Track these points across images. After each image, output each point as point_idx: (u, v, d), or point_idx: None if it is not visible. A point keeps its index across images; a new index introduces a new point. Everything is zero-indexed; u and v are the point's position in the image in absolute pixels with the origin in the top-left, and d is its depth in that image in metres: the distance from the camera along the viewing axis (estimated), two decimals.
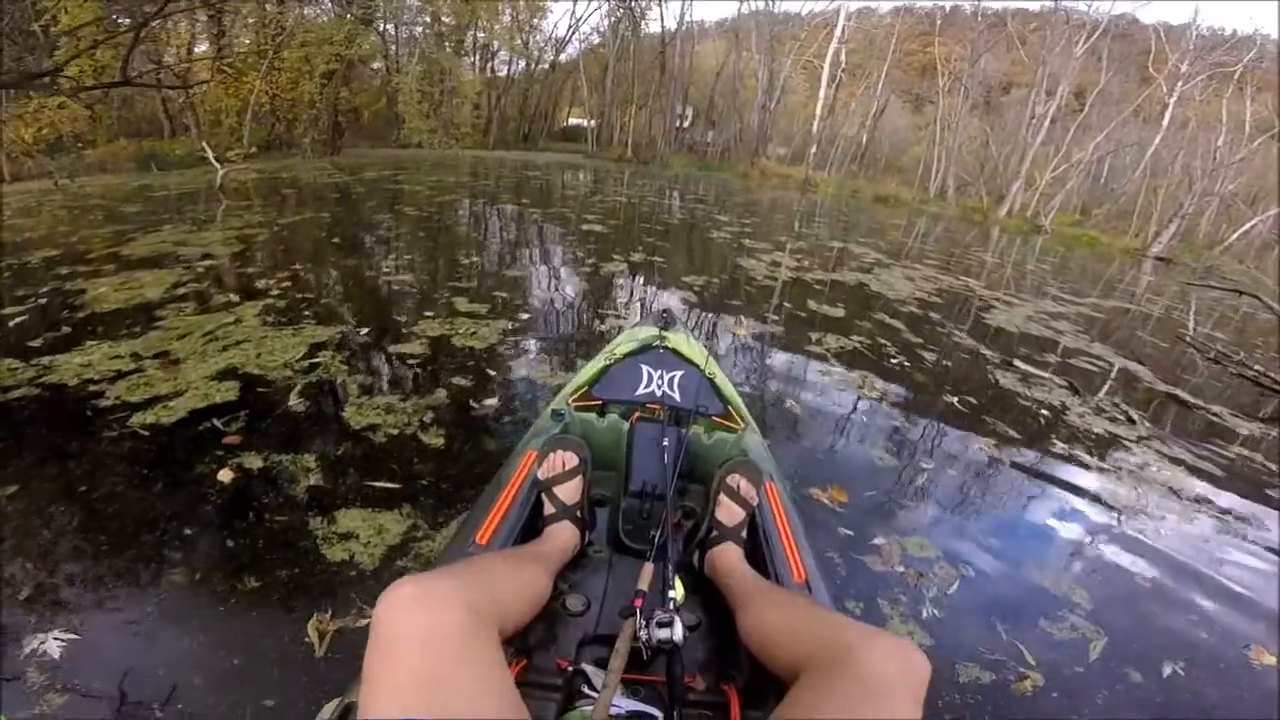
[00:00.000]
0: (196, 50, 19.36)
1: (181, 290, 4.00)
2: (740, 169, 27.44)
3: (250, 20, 20.10)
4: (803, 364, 3.79)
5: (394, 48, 28.51)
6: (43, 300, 3.74)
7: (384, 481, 2.07)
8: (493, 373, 3.02)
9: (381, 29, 26.32)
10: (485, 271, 4.97)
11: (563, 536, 1.13)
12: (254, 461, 2.14)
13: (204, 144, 14.59)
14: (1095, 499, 2.66)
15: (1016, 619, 1.84)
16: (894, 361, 4.07)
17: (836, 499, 2.30)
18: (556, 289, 4.74)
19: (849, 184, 26.63)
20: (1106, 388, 4.26)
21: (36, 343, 3.04)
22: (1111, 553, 2.28)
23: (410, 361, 3.08)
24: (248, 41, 20.56)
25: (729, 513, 1.19)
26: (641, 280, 5.36)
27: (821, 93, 26.48)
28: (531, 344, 3.49)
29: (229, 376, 2.75)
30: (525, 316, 3.87)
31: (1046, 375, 4.27)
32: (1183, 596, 2.09)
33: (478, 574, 0.84)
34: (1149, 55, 24.89)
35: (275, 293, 4.02)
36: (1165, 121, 23.71)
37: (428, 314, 3.78)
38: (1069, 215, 25.39)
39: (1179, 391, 4.40)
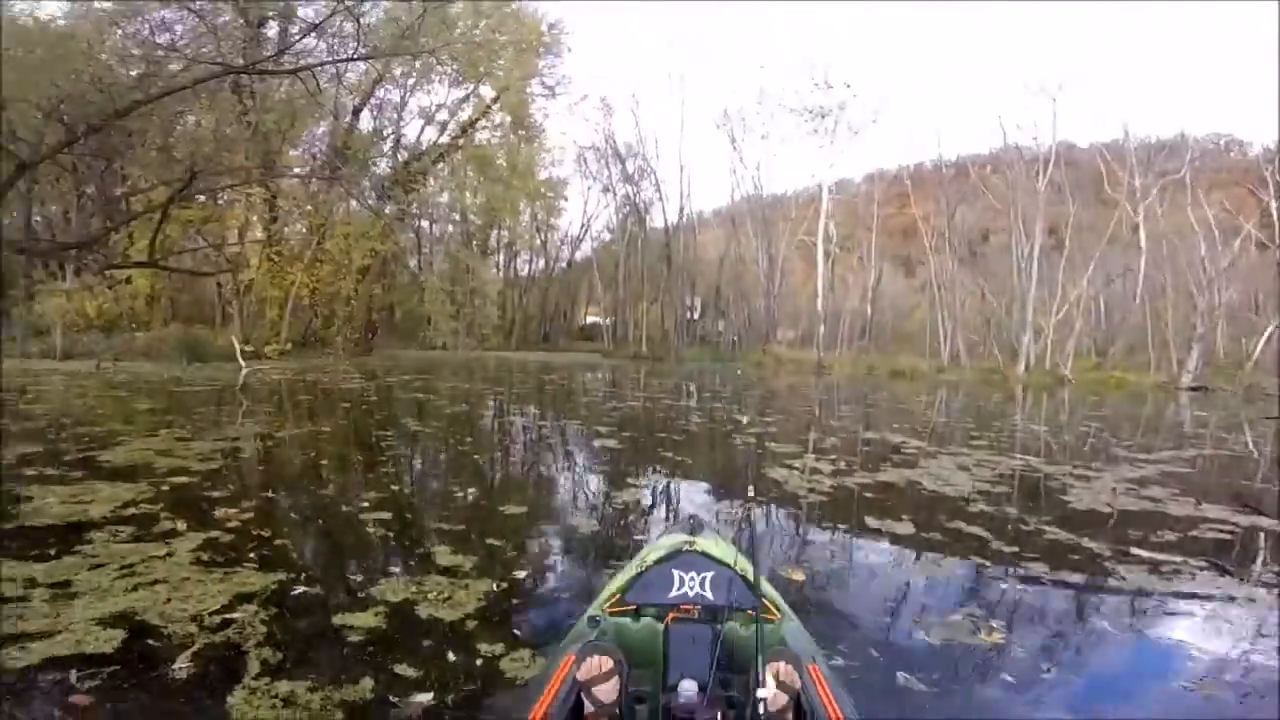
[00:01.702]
0: (250, 237, 20.95)
1: (129, 511, 3.71)
2: (753, 358, 27.99)
3: (297, 211, 22.29)
4: (882, 602, 2.91)
5: (427, 247, 31.28)
6: None
7: None
8: (451, 655, 2.23)
9: (415, 227, 29.09)
10: (480, 508, 4.23)
11: None
12: None
13: (234, 339, 15.11)
14: None
15: None
16: (1001, 588, 3.18)
17: None
18: (561, 527, 3.96)
19: (862, 361, 26.83)
20: (1259, 557, 3.61)
21: None
22: None
23: (349, 635, 2.33)
24: (300, 230, 22.58)
25: (772, 700, 1.19)
26: (661, 510, 4.64)
27: (820, 269, 27.91)
28: (517, 603, 2.74)
29: (119, 623, 2.33)
30: (519, 574, 3.07)
31: (1178, 559, 3.56)
32: None
33: None
34: (1103, 178, 26.14)
35: (231, 524, 3.56)
36: (1143, 242, 24.28)
37: (394, 569, 3.02)
38: (1087, 360, 24.99)
39: None
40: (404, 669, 2.11)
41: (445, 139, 24.27)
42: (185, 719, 1.88)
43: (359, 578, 2.90)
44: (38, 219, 19.00)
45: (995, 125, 33.10)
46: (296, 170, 20.47)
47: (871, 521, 4.25)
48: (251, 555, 3.08)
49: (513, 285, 36.03)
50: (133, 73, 9.99)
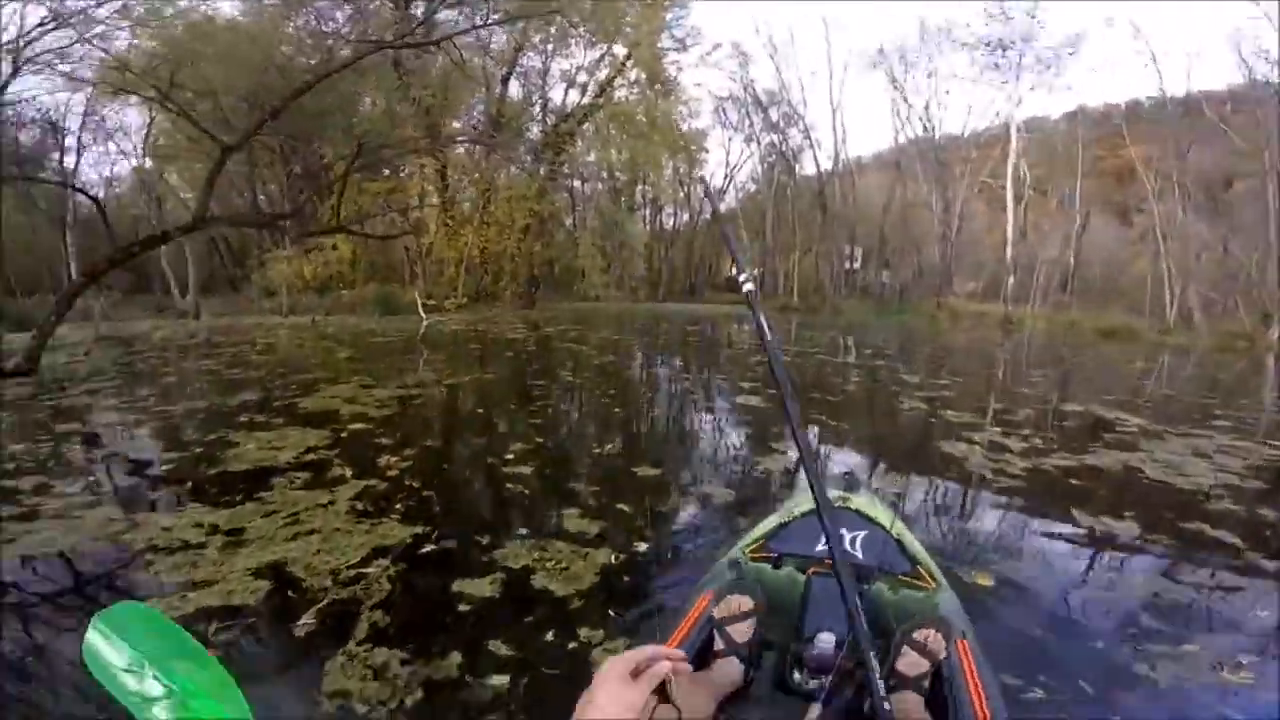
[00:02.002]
0: (429, 204, 23.16)
1: (310, 457, 4.07)
2: (924, 310, 25.21)
3: (466, 179, 24.21)
4: (1093, 622, 2.25)
5: (580, 206, 32.41)
6: (198, 450, 4.28)
7: None
8: (548, 635, 2.09)
9: (569, 187, 30.24)
10: (615, 469, 4.12)
11: (729, 671, 1.20)
12: None
13: (417, 295, 16.95)
14: None
15: None
16: (1257, 615, 2.37)
17: None
18: (691, 496, 3.67)
19: (1060, 317, 23.00)
20: None
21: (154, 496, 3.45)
22: None
23: (459, 603, 2.29)
24: (470, 195, 24.56)
25: (911, 664, 1.19)
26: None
27: (1010, 214, 24.13)
28: (628, 581, 2.54)
29: (268, 574, 2.47)
30: (642, 547, 2.86)
31: None
32: None
33: None
34: None
35: (390, 473, 3.79)
36: None
37: (521, 531, 2.97)
38: None
39: None
40: (499, 649, 2.01)
41: (586, 100, 24.57)
42: (286, 683, 1.89)
43: (486, 539, 2.88)
44: (261, 197, 22.46)
45: (1234, 57, 25.55)
46: (457, 139, 21.85)
47: (1080, 517, 3.43)
48: (399, 507, 3.22)
49: (658, 239, 36.19)
50: (310, 61, 11.11)
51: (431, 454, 4.43)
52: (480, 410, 6.12)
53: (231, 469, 3.85)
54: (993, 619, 2.26)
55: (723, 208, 36.08)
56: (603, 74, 24.24)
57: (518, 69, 23.60)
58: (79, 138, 19.96)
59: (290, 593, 2.34)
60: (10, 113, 14.30)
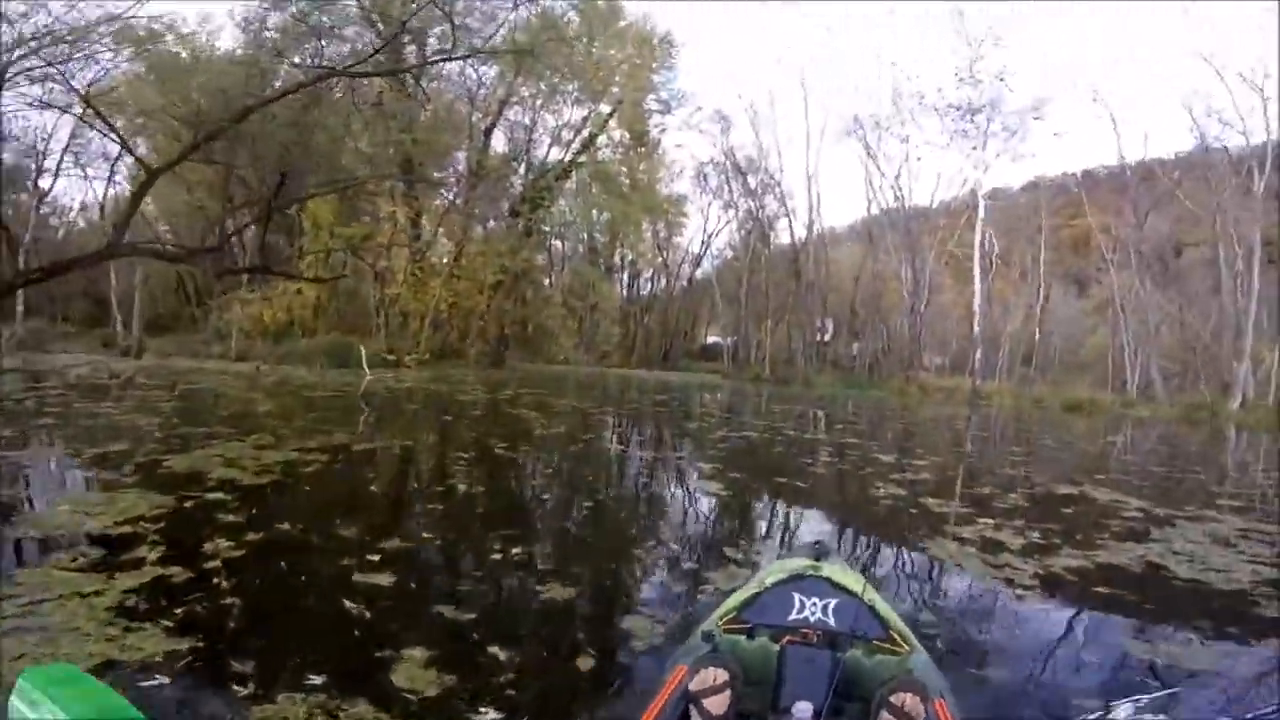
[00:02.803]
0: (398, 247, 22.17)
1: (124, 529, 3.18)
2: (894, 385, 24.88)
3: (441, 230, 23.43)
4: None
5: (556, 265, 31.95)
6: None
7: None
8: None
9: (547, 245, 29.82)
10: (511, 587, 3.01)
11: None
12: None
13: (362, 349, 15.63)
14: None
15: None
16: None
17: None
18: (609, 633, 2.56)
19: (1026, 392, 22.94)
20: None
21: None
22: None
23: None
24: (444, 246, 23.79)
25: None
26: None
27: (977, 285, 24.38)
28: None
29: None
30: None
31: None
32: None
33: None
34: None
35: (209, 563, 2.85)
36: None
37: (316, 679, 1.92)
38: None
39: None
40: None
41: (569, 156, 24.72)
42: None
43: (260, 676, 1.94)
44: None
45: (1184, 124, 27.30)
46: (430, 181, 21.44)
47: (1129, 643, 2.65)
48: (180, 611, 2.30)
49: (634, 303, 35.99)
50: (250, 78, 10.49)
51: (278, 541, 3.36)
52: (374, 487, 5.12)
53: (15, 534, 3.00)
54: None
55: (699, 274, 36.42)
56: (588, 132, 24.50)
57: (503, 121, 23.70)
58: (59, 160, 19.47)
59: None
60: None
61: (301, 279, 18.24)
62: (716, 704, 1.23)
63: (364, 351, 13.96)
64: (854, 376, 27.66)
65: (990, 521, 4.65)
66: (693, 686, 1.26)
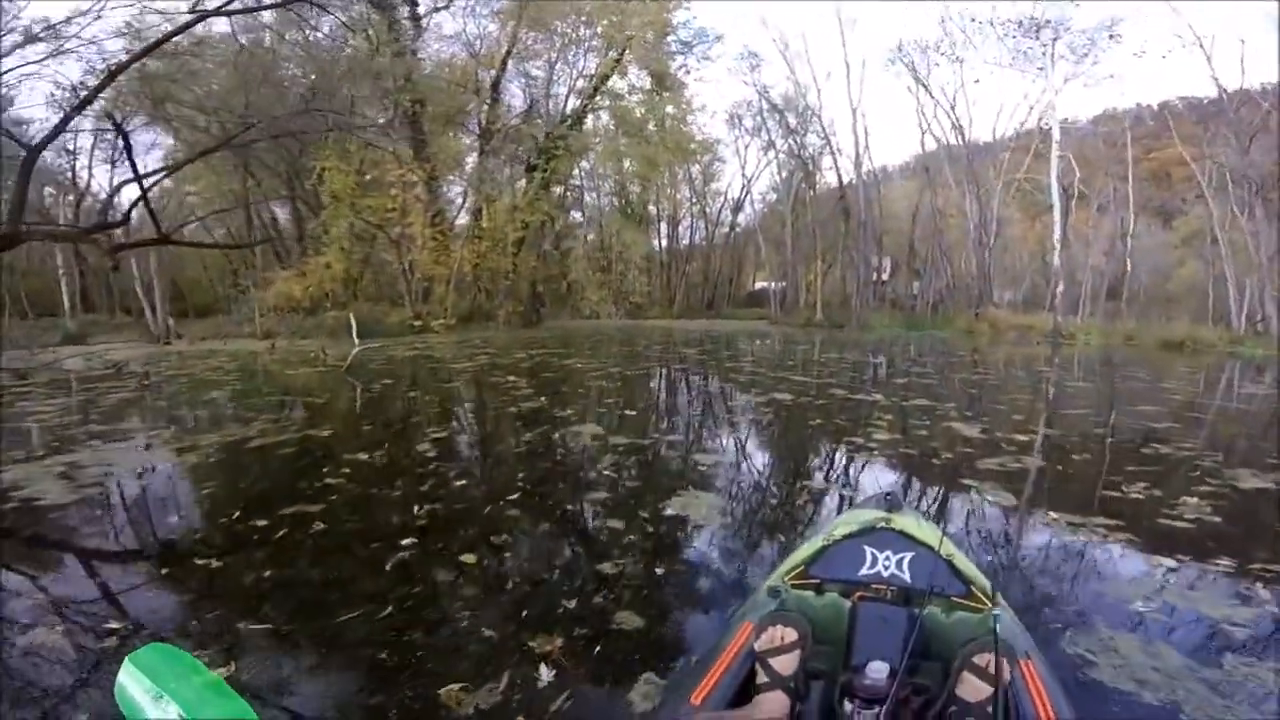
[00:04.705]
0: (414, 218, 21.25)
1: None
2: (961, 323, 22.72)
3: (457, 189, 22.84)
4: None
5: (586, 218, 30.77)
6: None
7: None
8: None
9: (578, 199, 28.62)
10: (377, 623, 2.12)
11: (774, 705, 1.15)
12: None
13: (351, 317, 14.38)
14: None
15: None
16: None
17: None
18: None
19: (1116, 329, 20.40)
20: None
21: None
22: None
23: None
24: (461, 206, 23.11)
25: (973, 689, 1.13)
26: None
27: (1056, 214, 21.73)
28: None
29: None
30: None
31: None
32: None
33: None
34: None
35: None
36: None
37: None
38: None
39: None
40: None
41: (585, 101, 23.29)
42: None
43: None
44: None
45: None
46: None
47: None
48: None
49: (675, 254, 34.48)
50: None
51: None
52: (265, 501, 3.57)
53: None
54: None
55: (742, 220, 34.33)
56: (601, 75, 23.02)
57: (518, 75, 22.55)
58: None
59: None
60: None
61: (209, 246, 18.56)
62: (785, 664, 1.20)
63: (354, 322, 12.99)
64: (915, 317, 25.57)
65: (1098, 519, 3.20)
66: (759, 645, 1.24)
